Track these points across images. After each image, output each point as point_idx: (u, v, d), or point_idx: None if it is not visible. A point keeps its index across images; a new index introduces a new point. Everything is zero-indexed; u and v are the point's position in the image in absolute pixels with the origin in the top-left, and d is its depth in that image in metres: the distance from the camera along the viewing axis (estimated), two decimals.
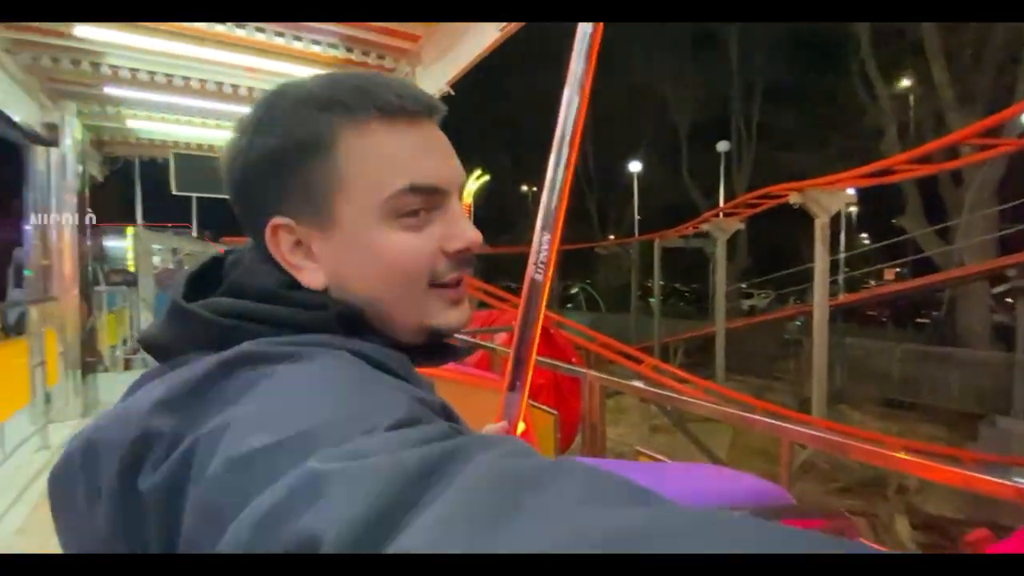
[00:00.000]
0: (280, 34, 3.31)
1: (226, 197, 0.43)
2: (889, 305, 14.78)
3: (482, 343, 3.82)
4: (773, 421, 1.96)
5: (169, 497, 0.29)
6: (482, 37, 2.99)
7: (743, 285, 16.93)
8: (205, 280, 0.43)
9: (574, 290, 21.31)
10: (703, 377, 9.03)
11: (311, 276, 0.41)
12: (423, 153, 0.42)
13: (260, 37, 3.28)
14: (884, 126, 12.45)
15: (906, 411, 9.36)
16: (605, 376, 2.46)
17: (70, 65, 3.64)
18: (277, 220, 0.41)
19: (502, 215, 22.23)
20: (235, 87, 4.03)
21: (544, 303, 0.75)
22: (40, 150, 4.32)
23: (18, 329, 4.64)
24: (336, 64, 3.73)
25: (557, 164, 0.72)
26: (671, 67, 18.48)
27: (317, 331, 0.38)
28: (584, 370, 2.41)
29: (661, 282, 13.77)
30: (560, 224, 0.73)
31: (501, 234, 20.94)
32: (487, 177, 15.34)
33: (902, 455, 1.55)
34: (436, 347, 0.45)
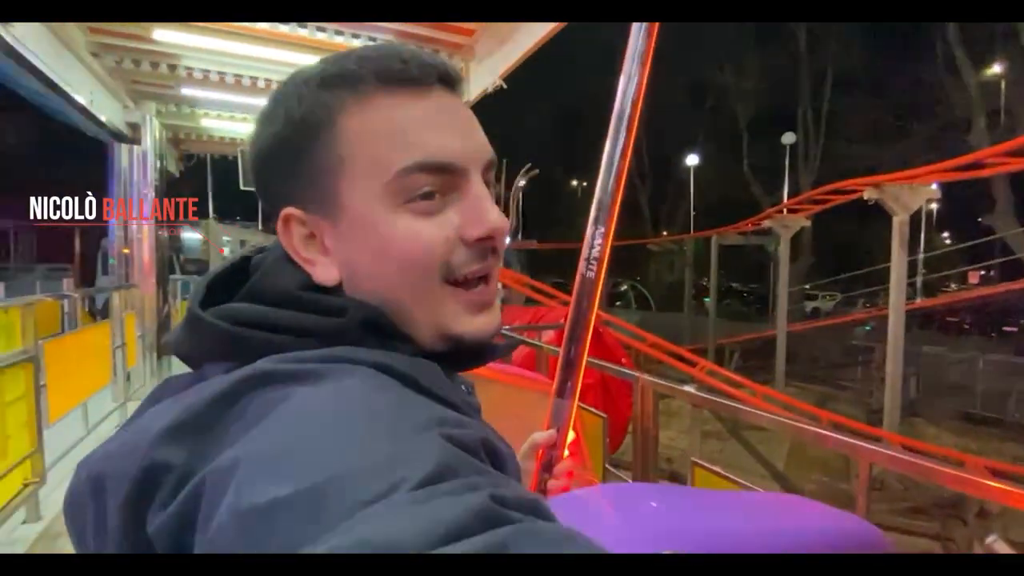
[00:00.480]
0: (339, 32, 3.38)
1: None
2: (972, 311, 13.55)
3: (529, 340, 3.77)
4: (848, 439, 1.80)
5: (176, 541, 0.26)
6: (536, 29, 2.95)
7: (806, 286, 16.01)
8: (232, 282, 0.39)
9: (623, 287, 20.88)
10: (760, 382, 8.60)
11: (323, 271, 0.37)
12: (434, 126, 0.36)
13: (321, 36, 3.36)
14: (972, 116, 11.38)
15: (988, 427, 8.57)
16: (659, 380, 2.35)
17: (149, 67, 3.88)
18: (287, 210, 0.38)
19: (552, 210, 22.07)
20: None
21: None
22: (123, 147, 4.64)
23: (104, 313, 5.03)
24: None
25: (612, 155, 0.68)
26: (732, 55, 17.67)
27: (339, 339, 0.34)
28: (637, 373, 2.31)
29: (718, 281, 13.21)
30: (614, 218, 0.69)
31: (551, 229, 20.82)
32: (537, 171, 15.25)
33: (997, 484, 1.37)
34: (468, 353, 0.39)
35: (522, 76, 3.43)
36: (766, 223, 10.83)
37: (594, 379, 4.25)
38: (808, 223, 10.74)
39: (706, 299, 14.60)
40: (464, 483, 0.24)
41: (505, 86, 3.35)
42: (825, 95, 17.27)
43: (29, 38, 2.69)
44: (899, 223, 7.22)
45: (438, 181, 0.36)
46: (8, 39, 2.49)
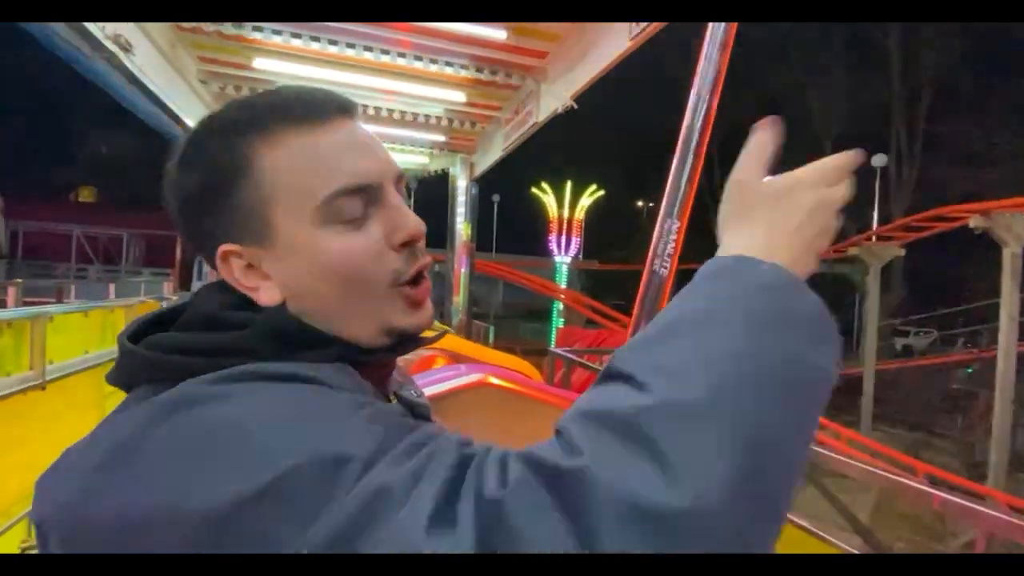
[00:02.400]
0: (419, 58, 3.53)
1: None
2: None
3: (589, 364, 3.67)
4: (963, 502, 1.57)
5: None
6: (608, 51, 2.92)
7: (897, 321, 14.63)
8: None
9: None
10: (843, 424, 7.88)
11: (267, 294, 0.41)
12: (345, 153, 0.41)
13: (402, 62, 3.52)
14: None
15: None
16: None
17: (248, 93, 4.23)
18: (224, 247, 0.41)
19: (616, 231, 21.75)
20: (377, 109, 4.39)
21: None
22: None
23: None
24: (467, 84, 3.88)
25: (686, 149, 0.68)
26: (815, 71, 16.78)
27: (251, 354, 0.36)
28: None
29: None
30: (689, 210, 0.68)
31: (614, 250, 20.49)
32: (601, 192, 15.10)
33: None
34: (404, 344, 0.44)
35: (589, 98, 3.42)
36: (852, 251, 10.03)
37: None
38: (902, 252, 9.85)
39: None
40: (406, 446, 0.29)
41: (576, 107, 3.34)
42: (921, 113, 15.96)
43: (148, 66, 3.00)
44: (1011, 255, 6.45)
45: (360, 200, 0.40)
46: (130, 67, 2.79)
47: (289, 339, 0.39)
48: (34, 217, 14.19)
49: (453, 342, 1.90)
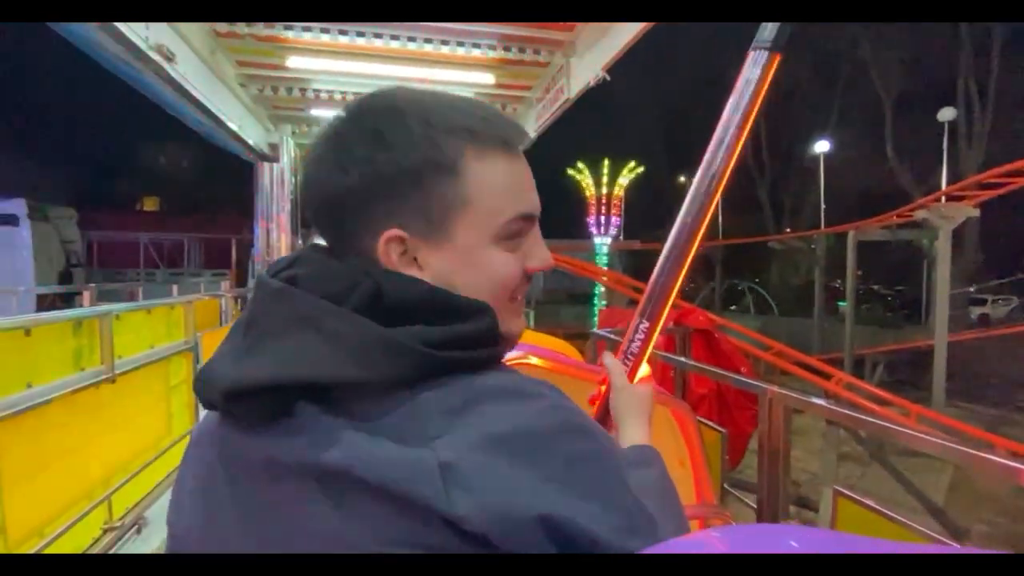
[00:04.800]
0: (444, 43, 3.50)
1: None
2: None
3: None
4: None
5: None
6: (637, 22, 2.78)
7: (972, 288, 13.54)
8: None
9: (740, 290, 19.30)
10: (913, 401, 7.40)
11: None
12: (529, 184, 0.47)
13: (428, 48, 3.50)
14: None
15: None
16: (792, 394, 2.06)
17: (285, 93, 4.34)
18: (394, 232, 0.42)
19: (656, 208, 21.15)
20: None
21: (699, 235, 0.65)
22: (265, 166, 5.26)
23: None
24: (495, 64, 3.82)
25: (674, 246, 0.66)
26: (873, 24, 15.55)
27: (485, 343, 0.42)
28: (765, 385, 2.05)
29: (854, 282, 11.62)
30: (665, 312, 0.67)
31: (655, 229, 19.94)
32: (641, 168, 14.65)
33: None
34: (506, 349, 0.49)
35: (626, 72, 3.28)
36: (919, 214, 9.26)
37: (708, 389, 3.93)
38: (976, 213, 9.03)
39: (840, 303, 12.97)
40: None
41: (609, 78, 3.21)
42: (994, 61, 14.52)
43: (189, 72, 3.12)
44: None
45: (524, 226, 0.46)
46: (175, 76, 2.90)
47: (496, 333, 0.43)
48: (105, 227, 15.26)
49: None
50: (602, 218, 14.52)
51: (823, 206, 16.22)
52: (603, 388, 0.71)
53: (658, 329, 0.66)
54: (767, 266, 18.90)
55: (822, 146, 16.15)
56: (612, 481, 0.38)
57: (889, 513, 1.61)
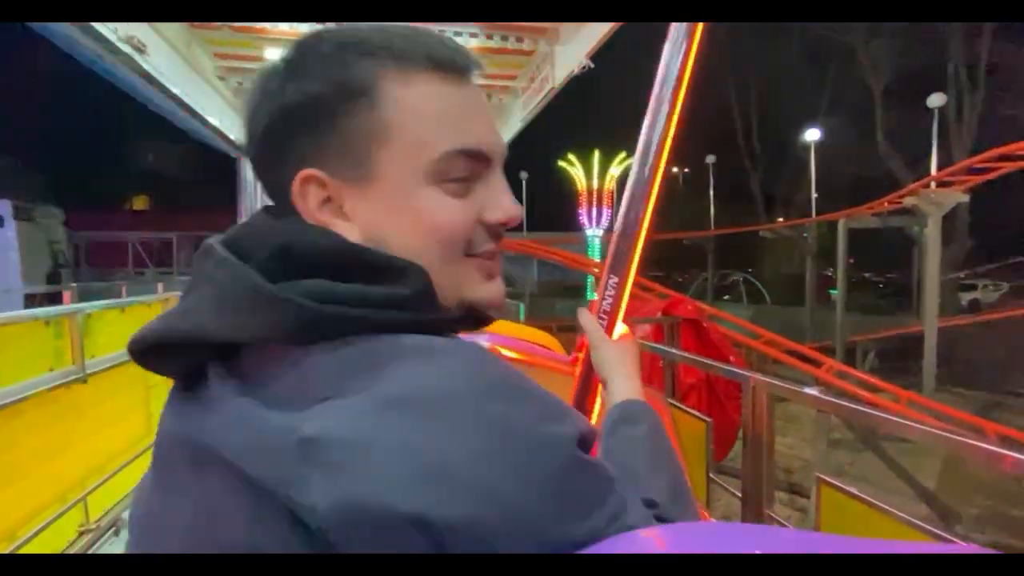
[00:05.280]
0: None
1: None
2: None
3: None
4: None
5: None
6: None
7: (962, 274, 13.63)
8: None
9: (732, 279, 19.37)
10: (904, 387, 7.45)
11: (344, 234, 0.37)
12: (474, 115, 0.39)
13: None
14: None
15: None
16: (774, 381, 2.05)
17: None
18: (308, 172, 0.37)
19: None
20: None
21: (661, 169, 0.66)
22: (247, 161, 5.19)
23: None
24: (480, 52, 3.76)
25: (639, 176, 0.68)
26: None
27: (405, 306, 0.35)
28: (748, 373, 2.03)
29: (845, 270, 11.66)
30: (635, 264, 0.68)
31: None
32: (631, 160, 14.62)
33: None
34: (475, 319, 0.43)
35: (613, 61, 3.24)
36: (909, 201, 9.29)
37: (697, 379, 3.92)
38: (965, 198, 9.07)
39: (832, 291, 13.03)
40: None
41: (592, 66, 3.18)
42: (984, 45, 14.53)
43: (163, 64, 3.05)
44: None
45: (471, 167, 0.39)
46: (147, 67, 2.84)
47: (434, 297, 0.37)
48: (93, 227, 15.13)
49: None
50: (594, 210, 14.50)
51: (814, 195, 16.24)
52: (581, 354, 0.67)
53: (629, 282, 0.66)
54: (759, 256, 18.96)
55: (813, 134, 16.17)
56: (542, 459, 0.29)
57: (871, 500, 1.60)
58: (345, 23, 0.39)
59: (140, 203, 21.29)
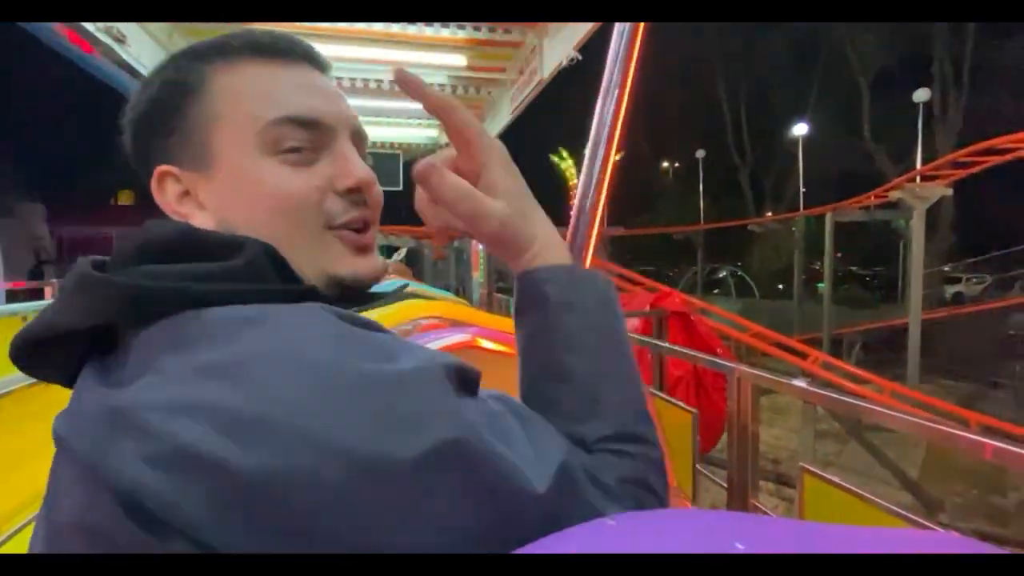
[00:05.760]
0: (430, 24, 3.41)
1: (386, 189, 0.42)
2: None
3: None
4: (1021, 450, 1.43)
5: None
6: None
7: (946, 267, 13.84)
8: None
9: (722, 273, 19.52)
10: (889, 378, 7.57)
11: (200, 223, 0.39)
12: (301, 89, 0.40)
13: (395, 28, 3.40)
14: None
15: None
16: (758, 372, 2.07)
17: None
18: (162, 168, 0.40)
19: (641, 194, 21.19)
20: (379, 82, 4.30)
21: (613, 147, 0.67)
22: None
23: None
24: (466, 45, 3.74)
25: (590, 172, 0.67)
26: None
27: (242, 278, 0.34)
28: (732, 364, 2.06)
29: (834, 264, 11.79)
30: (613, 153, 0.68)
31: (639, 215, 20.00)
32: (620, 153, 14.62)
33: None
34: (352, 298, 0.42)
35: (604, 50, 3.23)
36: (894, 195, 9.40)
37: (685, 371, 3.94)
38: (949, 192, 9.19)
39: (819, 284, 13.17)
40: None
41: (581, 58, 3.17)
42: (968, 40, 14.71)
43: (145, 55, 3.00)
44: None
45: (307, 136, 0.39)
46: (127, 58, 2.78)
47: (280, 267, 0.36)
48: (78, 222, 14.88)
49: (462, 312, 1.85)
50: None
51: (802, 189, 16.38)
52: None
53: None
54: (748, 249, 19.12)
55: (800, 129, 16.28)
56: (358, 394, 0.27)
57: (853, 489, 1.62)
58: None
59: (126, 198, 20.93)
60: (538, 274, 0.40)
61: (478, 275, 5.87)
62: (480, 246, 6.08)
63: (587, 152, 0.64)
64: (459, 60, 3.91)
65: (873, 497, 1.61)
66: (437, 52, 3.77)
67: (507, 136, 5.19)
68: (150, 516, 0.25)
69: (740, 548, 0.25)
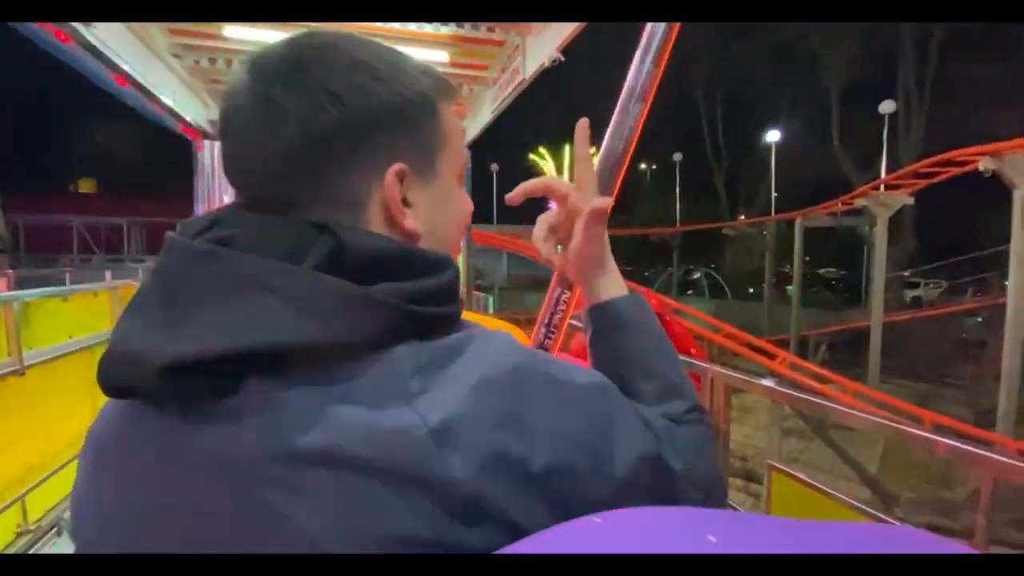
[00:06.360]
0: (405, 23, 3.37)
1: None
2: None
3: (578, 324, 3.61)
4: (967, 447, 1.50)
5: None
6: None
7: (906, 272, 14.41)
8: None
9: (697, 275, 19.89)
10: (852, 378, 7.85)
11: (412, 222, 0.42)
12: (463, 134, 0.49)
13: (376, 22, 3.35)
14: None
15: None
16: (731, 372, 2.12)
17: (224, 65, 4.08)
18: (400, 166, 0.41)
19: (618, 195, 21.36)
20: None
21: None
22: (206, 144, 4.96)
23: None
24: (449, 41, 3.72)
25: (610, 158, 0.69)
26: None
27: (452, 299, 0.40)
28: (706, 364, 2.11)
29: (802, 267, 12.15)
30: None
31: (616, 216, 20.18)
32: (597, 155, 14.73)
33: None
34: None
35: (587, 57, 3.24)
36: (860, 202, 9.75)
37: None
38: (911, 200, 9.57)
39: (788, 287, 13.55)
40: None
41: (563, 59, 3.18)
42: (932, 57, 15.32)
43: (112, 39, 2.87)
44: (1021, 197, 6.24)
45: None
46: (91, 39, 2.67)
47: (458, 286, 0.41)
48: (35, 210, 14.21)
49: None
50: None
51: (774, 194, 16.81)
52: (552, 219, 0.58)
53: (576, 296, 0.65)
54: (722, 252, 19.52)
55: (774, 136, 16.70)
56: (592, 404, 0.38)
57: (817, 485, 1.68)
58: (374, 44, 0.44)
59: (86, 186, 20.07)
60: (616, 303, 0.54)
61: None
62: (462, 242, 6.06)
63: (602, 152, 0.65)
64: (442, 56, 3.88)
65: (835, 493, 1.67)
66: (419, 47, 3.73)
67: (488, 134, 5.18)
68: (481, 513, 0.31)
69: (713, 541, 0.27)
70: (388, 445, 0.31)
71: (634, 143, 0.66)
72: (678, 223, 18.49)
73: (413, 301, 0.36)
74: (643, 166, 24.01)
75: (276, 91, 0.38)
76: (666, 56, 0.66)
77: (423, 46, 3.77)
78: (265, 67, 0.39)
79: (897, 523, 1.61)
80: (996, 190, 6.78)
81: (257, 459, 0.31)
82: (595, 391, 0.38)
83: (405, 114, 0.41)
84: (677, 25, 0.64)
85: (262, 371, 0.32)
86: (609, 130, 0.65)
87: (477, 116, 5.02)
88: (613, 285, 0.55)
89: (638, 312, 0.53)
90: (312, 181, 0.39)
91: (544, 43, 3.31)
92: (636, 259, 20.85)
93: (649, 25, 0.64)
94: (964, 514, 5.14)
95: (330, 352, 0.33)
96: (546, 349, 0.63)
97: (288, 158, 0.38)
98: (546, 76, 3.50)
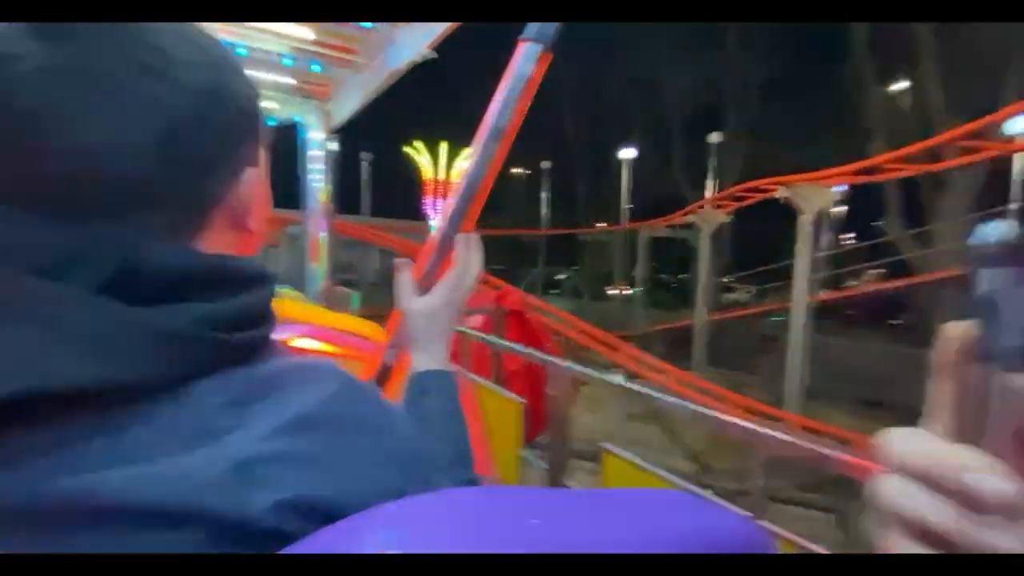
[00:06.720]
0: None
1: None
2: (867, 306, 15.03)
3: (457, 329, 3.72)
4: (746, 425, 1.88)
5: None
6: None
7: (724, 279, 17.04)
8: None
9: (561, 276, 21.28)
10: (683, 368, 9.10)
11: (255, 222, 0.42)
12: None
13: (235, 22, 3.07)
14: (873, 127, 12.44)
15: (883, 411, 9.50)
16: (575, 367, 2.39)
17: None
18: (256, 169, 0.39)
19: (493, 195, 21.86)
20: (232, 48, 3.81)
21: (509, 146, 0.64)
22: None
23: None
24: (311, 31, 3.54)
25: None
26: (670, 55, 18.27)
27: (271, 321, 0.37)
28: (555, 359, 2.34)
29: (647, 272, 13.78)
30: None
31: (489, 216, 20.66)
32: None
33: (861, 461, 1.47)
34: None
35: (471, 57, 3.27)
36: (690, 218, 11.41)
37: (520, 365, 4.27)
38: (728, 219, 11.41)
39: (635, 289, 15.17)
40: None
41: (436, 56, 3.19)
42: (750, 98, 18.26)
43: None
44: (804, 221, 7.82)
45: None
46: None
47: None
48: None
49: (290, 308, 1.74)
50: (437, 201, 14.50)
51: (628, 205, 18.69)
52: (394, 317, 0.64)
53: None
54: (581, 255, 21.08)
55: (626, 153, 18.57)
56: (399, 446, 0.36)
57: (640, 462, 1.96)
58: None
59: None
60: (427, 376, 0.59)
61: (317, 266, 5.49)
62: (321, 234, 5.69)
63: (475, 156, 0.63)
64: (307, 33, 3.66)
65: (655, 469, 1.98)
66: (281, 41, 3.49)
67: (360, 123, 4.99)
68: (277, 547, 0.28)
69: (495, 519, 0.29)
70: (185, 486, 0.27)
71: (492, 178, 0.65)
72: (544, 227, 19.62)
73: (225, 328, 0.31)
74: (517, 170, 24.92)
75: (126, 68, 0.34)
76: (533, 91, 0.62)
77: (285, 40, 3.54)
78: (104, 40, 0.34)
79: (700, 490, 1.95)
80: (791, 214, 8.33)
81: (13, 513, 0.27)
82: (406, 435, 0.37)
83: (255, 118, 0.39)
84: (549, 57, 0.61)
85: (24, 417, 0.26)
86: (470, 162, 0.65)
87: (345, 101, 4.79)
88: (415, 363, 0.60)
89: (445, 382, 0.58)
90: (172, 183, 0.34)
91: (414, 38, 3.27)
92: (507, 259, 21.62)
93: (518, 57, 0.61)
94: (751, 479, 6.26)
95: (115, 394, 0.28)
96: (387, 366, 0.63)
97: (137, 148, 0.34)
98: (423, 69, 3.46)
